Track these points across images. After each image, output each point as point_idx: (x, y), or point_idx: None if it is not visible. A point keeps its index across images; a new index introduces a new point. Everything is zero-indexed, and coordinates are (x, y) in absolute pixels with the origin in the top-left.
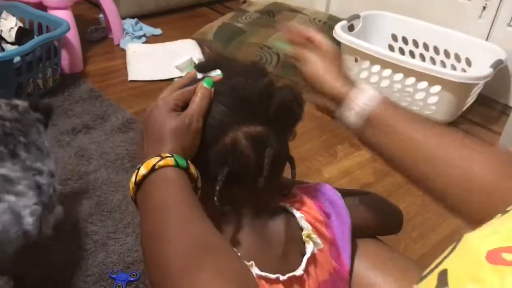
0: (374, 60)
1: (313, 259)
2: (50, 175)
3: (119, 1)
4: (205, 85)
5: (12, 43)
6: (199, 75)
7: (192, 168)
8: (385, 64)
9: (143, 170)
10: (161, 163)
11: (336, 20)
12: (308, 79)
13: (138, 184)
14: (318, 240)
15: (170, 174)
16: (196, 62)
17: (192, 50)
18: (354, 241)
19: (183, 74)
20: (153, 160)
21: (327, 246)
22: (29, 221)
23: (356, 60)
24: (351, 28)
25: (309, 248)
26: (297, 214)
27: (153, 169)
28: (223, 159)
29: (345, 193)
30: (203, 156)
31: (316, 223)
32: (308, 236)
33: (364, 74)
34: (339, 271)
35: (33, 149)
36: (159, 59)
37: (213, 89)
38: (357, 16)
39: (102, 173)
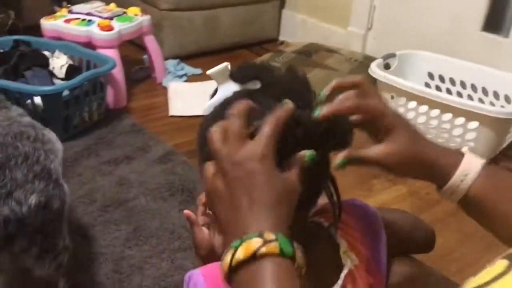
0: (410, 96)
1: (349, 275)
2: None
3: (163, 43)
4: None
5: (62, 79)
6: (234, 86)
7: (299, 256)
8: (421, 100)
9: (240, 254)
10: (264, 250)
11: (372, 59)
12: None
13: (234, 268)
14: (354, 257)
15: (273, 268)
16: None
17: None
18: (388, 258)
19: (216, 82)
20: (253, 244)
21: (363, 263)
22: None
23: (392, 97)
24: (387, 66)
25: (346, 265)
26: (333, 231)
27: (253, 257)
28: None
29: (379, 210)
30: None
31: (352, 239)
32: (344, 252)
33: (400, 111)
34: (375, 287)
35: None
36: (198, 96)
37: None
38: (393, 55)
39: (141, 200)
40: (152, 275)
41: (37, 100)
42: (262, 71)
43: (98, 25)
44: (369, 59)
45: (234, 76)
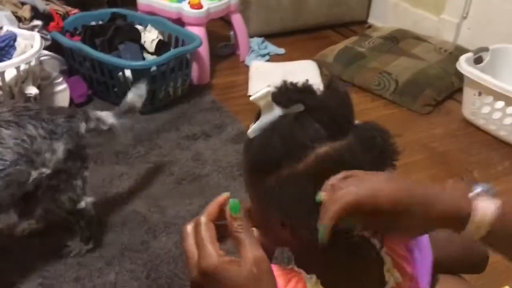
0: (497, 95)
1: None
2: None
3: (249, 21)
4: (233, 215)
5: (152, 54)
6: (278, 110)
7: None
8: (509, 100)
9: None
10: None
11: (464, 51)
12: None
13: None
14: (397, 274)
15: None
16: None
17: (311, 71)
18: (435, 277)
19: (260, 105)
20: None
21: (407, 281)
22: None
23: (480, 94)
24: (478, 60)
25: (389, 282)
26: (378, 246)
27: None
28: None
29: None
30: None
31: (397, 257)
32: (388, 270)
33: (486, 109)
34: None
35: None
36: (278, 78)
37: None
38: (485, 49)
39: (213, 177)
40: None
41: (128, 73)
42: (305, 93)
43: (189, 2)
44: (460, 51)
45: (277, 100)
